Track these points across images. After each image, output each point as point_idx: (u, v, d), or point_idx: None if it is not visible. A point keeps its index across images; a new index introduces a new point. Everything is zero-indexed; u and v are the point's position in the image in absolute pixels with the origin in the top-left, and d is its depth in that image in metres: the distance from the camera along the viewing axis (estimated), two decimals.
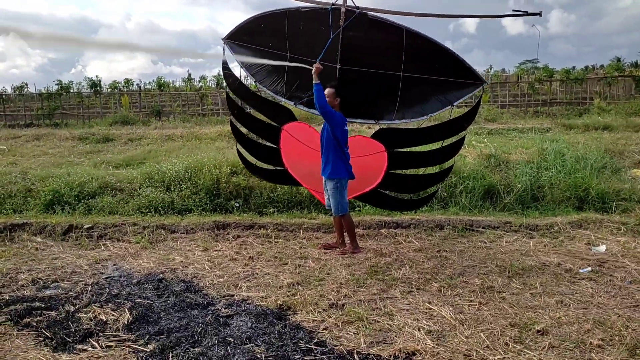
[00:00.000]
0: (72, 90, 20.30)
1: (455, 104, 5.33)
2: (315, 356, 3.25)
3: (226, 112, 19.03)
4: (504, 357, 3.20)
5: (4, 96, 20.08)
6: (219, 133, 12.17)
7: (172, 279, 4.80)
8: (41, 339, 3.59)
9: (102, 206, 7.17)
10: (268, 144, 6.38)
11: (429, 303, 4.10)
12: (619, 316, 3.78)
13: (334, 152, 5.34)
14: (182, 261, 5.36)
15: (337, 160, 5.36)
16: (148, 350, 3.35)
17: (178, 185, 7.51)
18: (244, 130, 6.61)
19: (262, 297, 4.29)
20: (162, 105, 19.77)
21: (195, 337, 3.52)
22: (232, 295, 4.36)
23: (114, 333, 3.64)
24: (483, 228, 6.33)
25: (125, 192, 7.62)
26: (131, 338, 3.55)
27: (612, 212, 6.78)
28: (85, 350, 3.39)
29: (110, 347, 3.43)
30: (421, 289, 4.46)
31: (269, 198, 7.44)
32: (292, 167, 6.25)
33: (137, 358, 3.27)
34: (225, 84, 6.74)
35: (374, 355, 3.26)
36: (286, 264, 5.21)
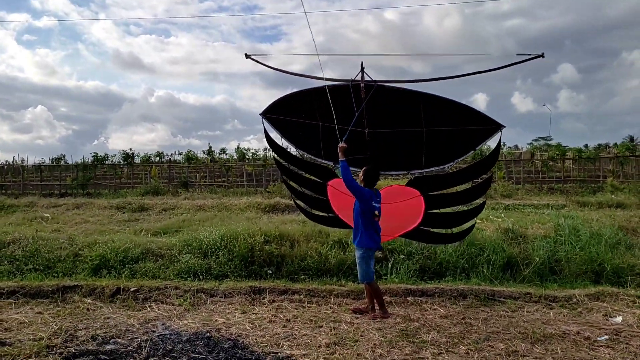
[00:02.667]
0: (106, 162, 21.49)
1: (477, 148, 6.09)
2: None
3: (250, 184, 19.89)
4: None
5: (42, 166, 21.31)
6: (247, 204, 12.85)
7: (218, 337, 5.22)
8: None
9: (145, 270, 7.70)
10: (318, 196, 7.04)
11: None
12: None
13: (362, 223, 5.90)
14: (224, 322, 5.79)
15: (364, 232, 5.90)
16: None
17: (215, 252, 8.05)
18: (296, 186, 7.27)
19: (304, 355, 4.69)
20: (192, 176, 20.75)
21: None
22: (277, 353, 4.77)
23: None
24: (504, 298, 6.68)
25: (165, 257, 8.17)
26: None
27: (627, 286, 7.11)
28: None
29: None
30: (450, 351, 4.83)
31: (299, 266, 7.92)
32: (341, 214, 6.91)
33: None
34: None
35: None
36: (321, 326, 5.62)
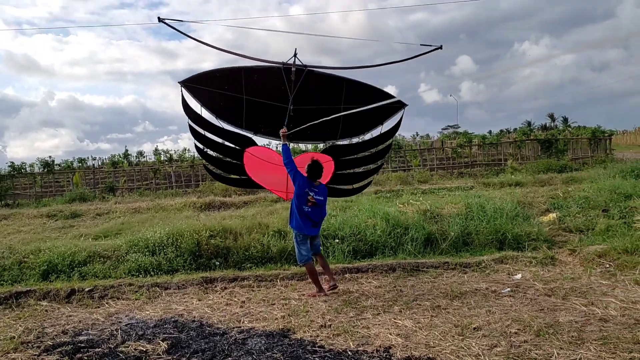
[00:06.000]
0: (24, 171, 20.65)
1: (384, 123, 7.29)
2: (320, 355, 4.44)
3: (179, 185, 20.03)
4: (452, 344, 4.54)
5: None
6: (183, 204, 13.21)
7: (184, 320, 5.81)
8: None
9: (95, 272, 8.00)
10: (233, 160, 7.47)
11: (395, 319, 5.40)
12: (529, 315, 5.25)
13: (295, 206, 6.60)
14: (184, 309, 6.35)
15: (295, 214, 6.60)
16: None
17: (162, 250, 8.49)
18: (211, 152, 7.59)
19: (265, 325, 5.42)
20: (116, 181, 20.49)
21: (225, 352, 4.61)
22: (240, 327, 5.45)
23: (159, 357, 4.64)
24: (427, 268, 7.75)
25: (113, 258, 8.48)
26: (174, 358, 4.57)
27: (525, 250, 8.46)
28: None
29: None
30: (387, 311, 5.76)
31: (245, 256, 8.57)
32: (254, 176, 7.55)
33: None
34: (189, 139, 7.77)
35: (361, 350, 4.50)
36: (274, 304, 6.35)
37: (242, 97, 7.10)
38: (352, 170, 7.93)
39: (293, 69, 6.68)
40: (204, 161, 7.82)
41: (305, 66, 6.73)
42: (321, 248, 7.20)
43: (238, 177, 7.66)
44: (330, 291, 6.63)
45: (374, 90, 7.05)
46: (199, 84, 7.05)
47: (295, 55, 6.71)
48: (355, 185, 8.12)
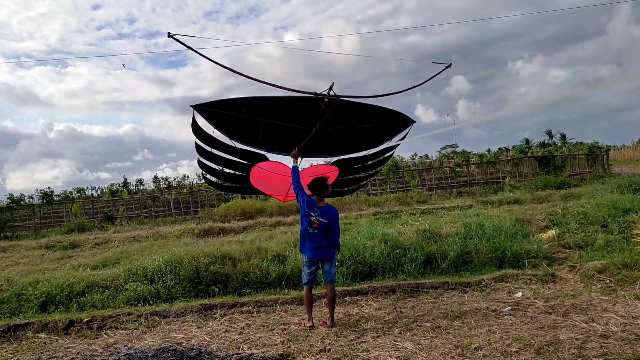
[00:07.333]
0: (23, 202, 20.68)
1: (392, 139, 7.57)
2: None
3: (178, 212, 20.03)
4: None
5: None
6: (181, 231, 13.19)
7: (182, 349, 5.76)
8: None
9: (94, 302, 7.95)
10: (239, 173, 7.53)
11: (395, 341, 5.36)
12: (530, 333, 5.21)
13: (301, 229, 6.55)
14: (183, 337, 6.30)
15: (301, 238, 6.54)
16: None
17: (161, 278, 8.45)
18: (215, 166, 7.48)
19: (264, 351, 5.37)
20: (115, 210, 20.49)
21: None
22: (239, 354, 5.40)
23: None
24: (427, 288, 7.72)
25: (112, 288, 8.44)
26: None
27: (525, 268, 8.43)
28: None
29: None
30: (387, 333, 5.71)
31: (244, 281, 8.53)
32: (257, 185, 7.71)
33: None
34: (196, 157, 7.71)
35: None
36: (273, 329, 6.30)
37: (262, 120, 7.01)
38: (353, 176, 8.40)
39: (325, 99, 6.73)
40: (202, 172, 7.82)
41: (338, 97, 6.80)
42: (334, 279, 6.65)
43: (240, 185, 7.88)
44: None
45: (386, 110, 7.22)
46: (214, 108, 6.88)
47: (331, 87, 6.75)
48: (354, 186, 8.73)
